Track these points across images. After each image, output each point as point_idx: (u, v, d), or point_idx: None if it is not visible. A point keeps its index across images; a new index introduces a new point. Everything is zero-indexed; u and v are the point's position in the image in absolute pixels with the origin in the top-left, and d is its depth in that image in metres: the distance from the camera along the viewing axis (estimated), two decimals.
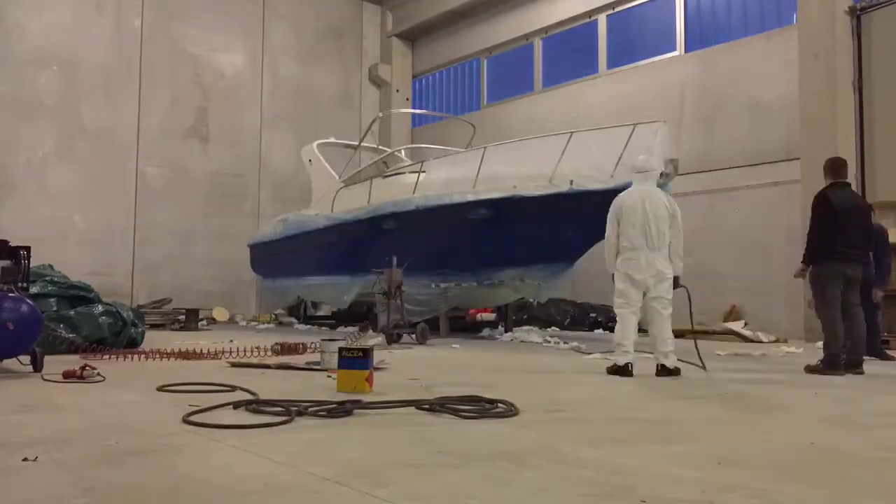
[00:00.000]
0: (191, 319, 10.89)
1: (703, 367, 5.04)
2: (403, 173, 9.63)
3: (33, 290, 5.66)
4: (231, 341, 6.87)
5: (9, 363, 4.38)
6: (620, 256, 4.97)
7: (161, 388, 3.60)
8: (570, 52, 13.20)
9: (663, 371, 4.72)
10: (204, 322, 11.73)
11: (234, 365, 5.03)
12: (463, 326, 9.77)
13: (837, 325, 5.20)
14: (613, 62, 12.40)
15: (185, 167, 13.61)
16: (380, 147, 12.67)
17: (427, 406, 3.02)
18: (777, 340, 8.72)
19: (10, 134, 11.93)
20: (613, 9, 12.44)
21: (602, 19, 12.62)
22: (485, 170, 8.14)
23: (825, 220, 5.36)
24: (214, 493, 1.77)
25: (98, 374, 4.02)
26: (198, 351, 5.73)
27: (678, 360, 4.86)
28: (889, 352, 6.93)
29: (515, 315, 10.62)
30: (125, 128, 13.02)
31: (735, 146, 10.41)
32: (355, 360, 3.61)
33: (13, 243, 4.91)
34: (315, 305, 12.33)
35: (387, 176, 9.94)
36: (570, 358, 6.27)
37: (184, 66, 13.67)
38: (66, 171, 12.35)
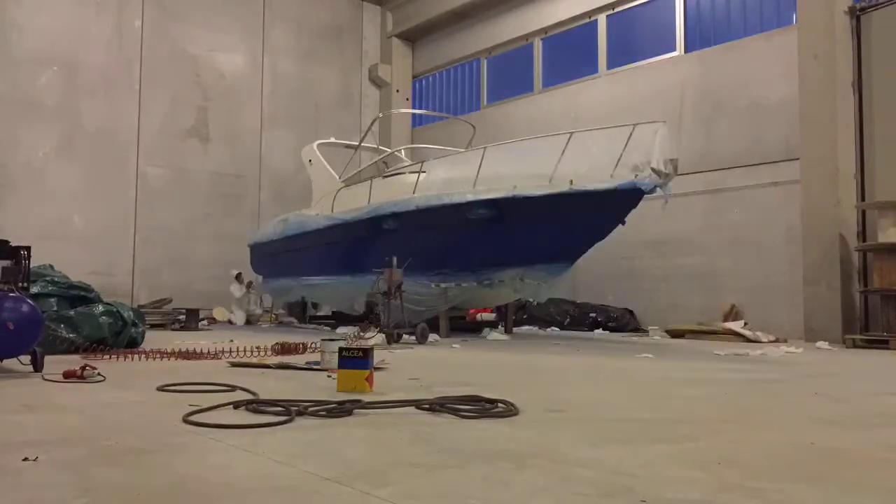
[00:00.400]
0: (191, 319, 10.89)
1: None
2: (403, 173, 9.63)
3: (34, 290, 5.67)
4: (231, 341, 6.88)
5: (9, 363, 4.38)
6: None
7: (161, 388, 3.60)
8: (570, 53, 13.21)
9: None
10: (205, 322, 11.73)
11: (234, 365, 5.03)
12: (463, 326, 9.78)
13: None
14: (613, 62, 12.41)
15: (185, 167, 13.61)
16: (380, 147, 12.68)
17: (427, 406, 3.02)
18: (777, 340, 8.72)
19: (10, 134, 11.93)
20: (613, 9, 12.45)
21: (602, 19, 12.62)
22: (485, 170, 8.14)
23: None
24: (214, 493, 1.77)
25: (98, 374, 4.03)
26: (198, 351, 5.73)
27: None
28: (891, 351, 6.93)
29: (515, 315, 10.62)
30: (125, 128, 13.03)
31: (735, 146, 10.42)
32: (355, 360, 3.61)
33: (13, 243, 4.92)
34: (315, 305, 12.33)
35: (387, 176, 9.95)
36: (570, 358, 6.27)
37: (184, 66, 13.68)
38: (66, 171, 12.36)
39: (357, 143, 11.54)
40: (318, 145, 11.74)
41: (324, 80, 15.53)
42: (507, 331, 9.87)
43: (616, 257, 11.03)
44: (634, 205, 7.44)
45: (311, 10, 15.43)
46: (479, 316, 10.27)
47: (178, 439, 2.40)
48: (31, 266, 4.95)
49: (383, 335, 7.59)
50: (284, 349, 6.02)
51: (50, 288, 6.13)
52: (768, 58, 10.17)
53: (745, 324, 9.38)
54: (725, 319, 9.90)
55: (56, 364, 4.36)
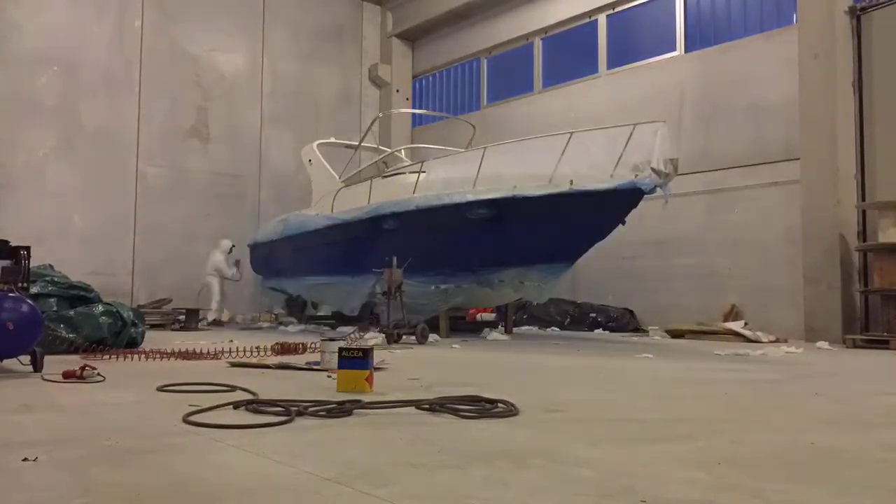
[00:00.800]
0: (191, 319, 10.90)
1: None
2: (403, 173, 9.64)
3: (33, 290, 5.67)
4: (231, 341, 6.88)
5: (9, 363, 4.38)
6: None
7: (161, 388, 3.60)
8: (570, 52, 13.21)
9: None
10: (205, 322, 11.74)
11: (233, 365, 5.03)
12: (463, 326, 9.78)
13: None
14: (613, 62, 12.41)
15: (185, 167, 13.61)
16: (380, 147, 12.68)
17: (427, 406, 3.02)
18: (777, 340, 8.72)
19: (10, 134, 11.94)
20: (613, 9, 12.45)
21: (602, 19, 12.63)
22: (485, 170, 8.14)
23: None
24: (214, 493, 1.77)
25: (98, 374, 4.03)
26: (198, 351, 5.73)
27: None
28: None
29: (515, 315, 10.62)
30: (125, 128, 13.03)
31: (735, 146, 10.42)
32: (355, 360, 3.61)
33: (13, 243, 4.92)
34: (315, 305, 12.34)
35: (387, 176, 9.95)
36: (569, 358, 6.27)
37: (184, 67, 13.68)
38: (66, 171, 12.36)
39: (357, 143, 11.55)
40: (318, 145, 11.74)
41: (324, 80, 15.53)
42: (507, 331, 9.87)
43: (616, 257, 11.03)
44: (634, 205, 7.44)
45: (311, 10, 15.43)
46: (479, 316, 10.27)
47: (178, 439, 2.40)
48: (30, 266, 4.95)
49: (383, 335, 7.59)
50: (284, 349, 6.02)
51: (50, 288, 6.13)
52: (768, 58, 10.16)
53: (746, 324, 9.38)
54: (725, 319, 9.90)
55: (56, 364, 4.36)
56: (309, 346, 6.17)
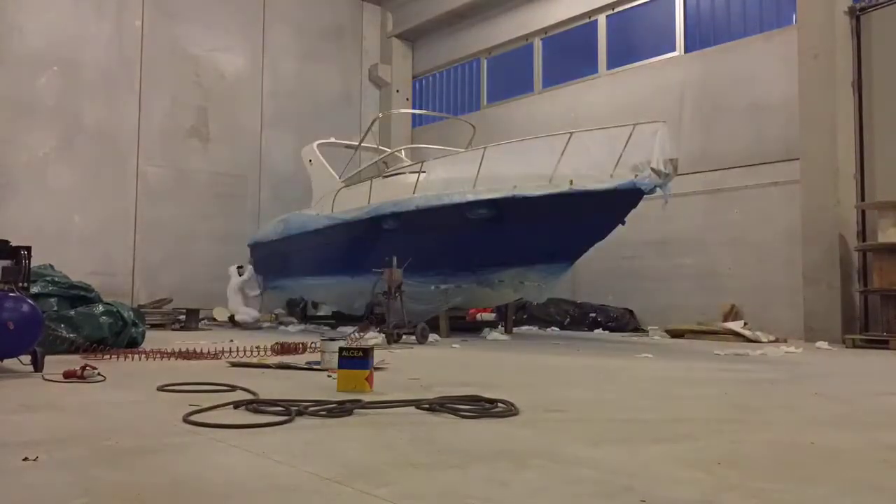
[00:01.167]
0: (191, 319, 10.90)
1: None
2: (403, 173, 9.64)
3: (34, 289, 5.67)
4: (231, 341, 6.88)
5: (9, 363, 4.38)
6: None
7: (161, 388, 3.60)
8: (570, 53, 13.21)
9: None
10: (205, 321, 11.74)
11: (234, 365, 5.04)
12: (463, 326, 9.78)
13: None
14: (613, 62, 12.41)
15: (185, 167, 13.62)
16: (380, 147, 12.68)
17: (427, 406, 3.02)
18: (777, 340, 8.73)
19: (10, 134, 11.94)
20: (613, 9, 12.45)
21: (602, 20, 12.63)
22: (485, 170, 8.14)
23: None
24: (215, 493, 1.77)
25: (98, 373, 4.03)
26: (198, 351, 5.73)
27: None
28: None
29: (515, 315, 10.62)
30: (125, 128, 13.04)
31: (735, 146, 10.42)
32: (355, 359, 3.61)
33: (14, 243, 4.92)
34: (315, 305, 12.34)
35: (387, 176, 9.95)
36: (569, 358, 6.27)
37: (184, 67, 13.68)
38: (66, 171, 12.36)
39: (357, 143, 11.55)
40: (318, 145, 11.74)
41: (324, 80, 15.52)
42: (507, 331, 9.87)
43: (616, 257, 11.03)
44: (634, 205, 7.44)
45: (311, 10, 15.43)
46: (479, 316, 10.28)
47: (179, 439, 2.40)
48: (31, 266, 4.95)
49: (383, 335, 7.59)
50: (284, 349, 6.02)
51: (50, 288, 6.13)
52: (768, 58, 10.17)
53: (745, 324, 9.39)
54: (725, 319, 9.90)
55: (56, 364, 4.36)
56: (309, 346, 6.17)
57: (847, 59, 9.24)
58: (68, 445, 2.28)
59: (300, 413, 2.82)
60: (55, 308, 5.98)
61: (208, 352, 5.70)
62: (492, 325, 10.14)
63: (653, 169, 6.96)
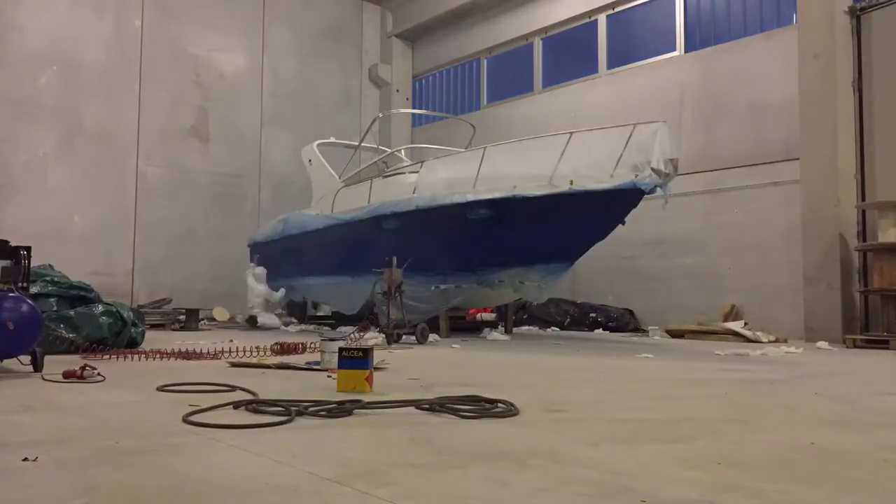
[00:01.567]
0: (191, 319, 10.90)
1: None
2: (403, 173, 9.64)
3: (33, 289, 5.66)
4: (231, 341, 6.88)
5: (9, 363, 4.38)
6: None
7: (161, 388, 3.60)
8: (570, 52, 13.21)
9: None
10: (204, 321, 11.73)
11: (233, 365, 5.03)
12: (463, 326, 9.78)
13: None
14: (613, 62, 12.41)
15: (185, 167, 13.62)
16: (380, 147, 12.68)
17: (427, 406, 3.02)
18: (777, 340, 8.72)
19: (10, 134, 11.94)
20: (613, 9, 12.46)
21: (602, 19, 12.63)
22: (485, 170, 8.14)
23: None
24: (214, 493, 1.77)
25: (98, 374, 4.02)
26: (198, 351, 5.73)
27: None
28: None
29: (515, 315, 10.62)
30: (125, 128, 13.04)
31: (735, 146, 10.42)
32: (355, 360, 3.61)
33: (13, 243, 4.92)
34: (315, 305, 12.33)
35: (387, 176, 9.95)
36: (569, 358, 6.27)
37: (184, 66, 13.68)
38: (66, 171, 12.36)
39: (357, 143, 11.55)
40: (318, 145, 11.74)
41: (324, 80, 15.53)
42: (507, 331, 9.87)
43: (616, 257, 11.03)
44: (634, 205, 7.45)
45: (311, 9, 15.43)
46: (479, 316, 10.28)
47: (178, 439, 2.40)
48: (31, 266, 4.95)
49: (383, 335, 7.59)
50: (284, 349, 6.02)
51: (50, 288, 6.12)
52: (768, 58, 10.17)
53: (745, 324, 9.39)
54: (725, 319, 9.90)
55: (56, 364, 4.36)
56: (309, 346, 6.16)
57: (847, 59, 9.24)
58: (68, 445, 2.28)
59: (300, 413, 2.82)
60: (55, 308, 5.98)
61: (208, 352, 5.70)
62: (492, 325, 10.14)
63: (653, 169, 6.96)
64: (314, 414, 2.84)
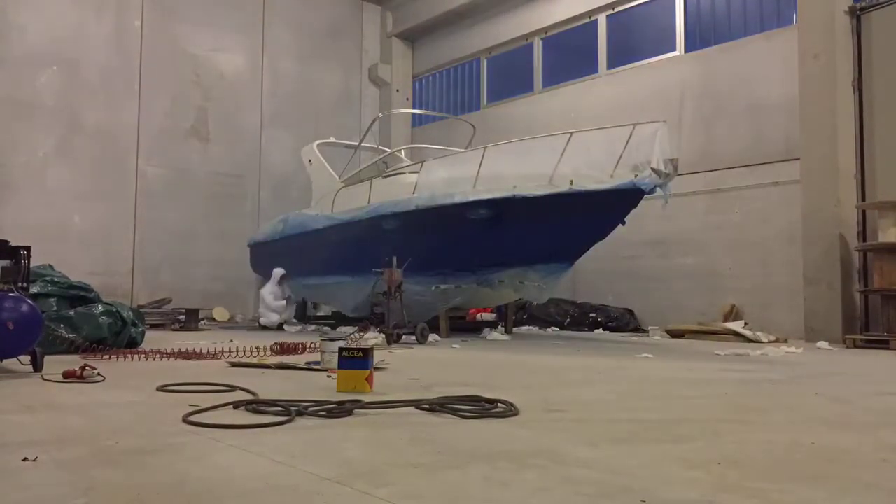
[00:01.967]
0: (191, 319, 10.89)
1: None
2: (403, 173, 9.64)
3: (33, 289, 5.67)
4: (231, 341, 6.88)
5: (9, 363, 4.38)
6: None
7: (161, 388, 3.60)
8: (570, 52, 13.21)
9: None
10: (204, 321, 11.73)
11: (233, 365, 5.03)
12: (463, 326, 9.78)
13: None
14: (613, 62, 12.41)
15: (185, 167, 13.62)
16: (380, 147, 12.68)
17: (427, 406, 3.02)
18: (777, 340, 8.72)
19: (9, 134, 11.94)
20: (613, 9, 12.45)
21: (602, 19, 12.63)
22: (485, 170, 8.14)
23: None
24: (214, 493, 1.77)
25: (98, 374, 4.03)
26: (198, 351, 5.73)
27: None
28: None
29: (515, 315, 10.62)
30: (125, 128, 13.04)
31: (735, 146, 10.42)
32: (355, 360, 3.61)
33: (13, 243, 4.92)
34: (315, 305, 12.34)
35: (387, 176, 9.95)
36: (570, 358, 6.27)
37: (184, 66, 13.68)
38: (66, 171, 12.36)
39: (357, 143, 11.55)
40: (318, 145, 11.74)
41: (324, 79, 15.53)
42: (507, 331, 9.87)
43: (616, 257, 11.03)
44: (634, 205, 7.44)
45: (311, 9, 15.43)
46: (479, 316, 10.27)
47: (178, 439, 2.40)
48: (30, 266, 4.95)
49: (383, 335, 7.59)
50: (284, 349, 6.02)
51: (50, 288, 6.13)
52: (768, 58, 10.16)
53: (746, 324, 9.38)
54: (725, 319, 9.90)
55: (56, 364, 4.36)
56: (309, 346, 6.17)
57: (847, 59, 9.24)
58: (68, 445, 2.28)
59: (300, 413, 2.82)
60: (55, 308, 5.98)
61: (208, 352, 5.70)
62: (492, 325, 10.14)
63: (653, 169, 6.96)
64: (314, 414, 2.84)
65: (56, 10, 12.43)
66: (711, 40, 11.05)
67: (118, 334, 6.12)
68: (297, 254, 11.23)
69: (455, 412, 2.93)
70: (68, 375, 3.98)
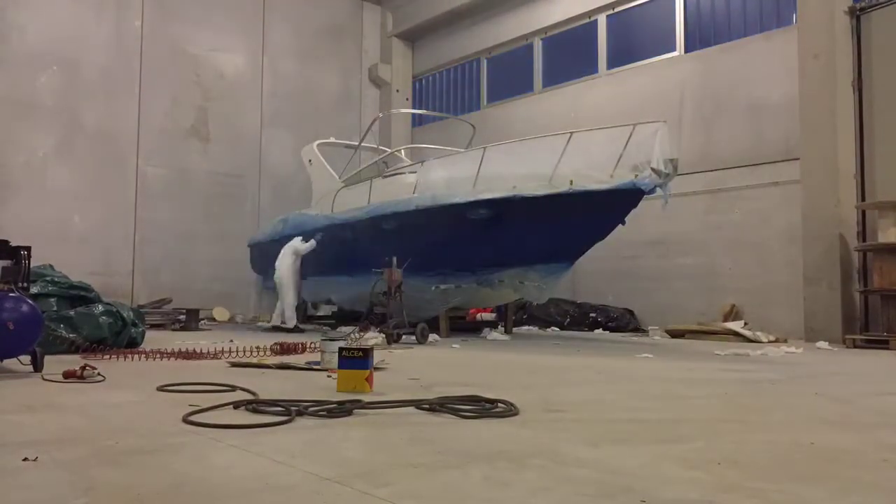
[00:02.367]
0: (191, 319, 10.89)
1: None
2: (403, 173, 9.63)
3: (34, 290, 5.66)
4: (231, 341, 6.88)
5: (9, 363, 4.38)
6: None
7: (161, 388, 3.60)
8: (570, 53, 13.20)
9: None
10: (205, 321, 11.72)
11: (233, 365, 5.03)
12: (463, 326, 9.78)
13: None
14: (613, 62, 12.41)
15: (185, 167, 13.61)
16: (380, 147, 12.68)
17: (427, 406, 3.02)
18: (777, 340, 8.72)
19: (10, 134, 11.94)
20: (613, 9, 12.45)
21: (602, 19, 12.62)
22: (485, 170, 8.14)
23: None
24: (214, 493, 1.77)
25: (98, 374, 4.02)
26: (198, 351, 5.73)
27: None
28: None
29: (515, 315, 10.62)
30: (125, 128, 13.03)
31: (735, 146, 10.42)
32: (355, 360, 3.61)
33: (13, 243, 4.92)
34: (315, 305, 12.33)
35: (387, 176, 9.95)
36: (569, 358, 6.27)
37: (184, 66, 13.68)
38: (66, 171, 12.36)
39: (357, 143, 11.55)
40: (318, 145, 11.74)
41: (324, 80, 15.52)
42: (507, 331, 9.87)
43: (616, 257, 11.03)
44: (634, 205, 7.45)
45: (311, 9, 15.43)
46: (479, 316, 10.27)
47: (178, 439, 2.40)
48: (31, 266, 4.95)
49: (383, 335, 7.59)
50: (284, 349, 6.02)
51: (50, 288, 6.13)
52: (768, 58, 10.16)
53: (745, 324, 9.38)
54: (725, 319, 9.90)
55: (56, 364, 4.36)
56: (309, 346, 6.17)
57: (847, 59, 9.24)
58: (68, 445, 2.28)
59: (300, 413, 2.82)
60: (55, 308, 5.98)
61: (208, 352, 5.70)
62: (492, 325, 10.14)
63: (653, 169, 6.96)
64: (314, 414, 2.84)
65: (56, 10, 12.42)
66: (711, 40, 11.05)
67: (118, 334, 6.11)
68: None
69: (455, 412, 2.93)
70: (68, 375, 3.98)
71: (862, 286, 9.00)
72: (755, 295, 10.01)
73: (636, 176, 7.02)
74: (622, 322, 11.10)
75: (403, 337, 7.83)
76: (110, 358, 5.32)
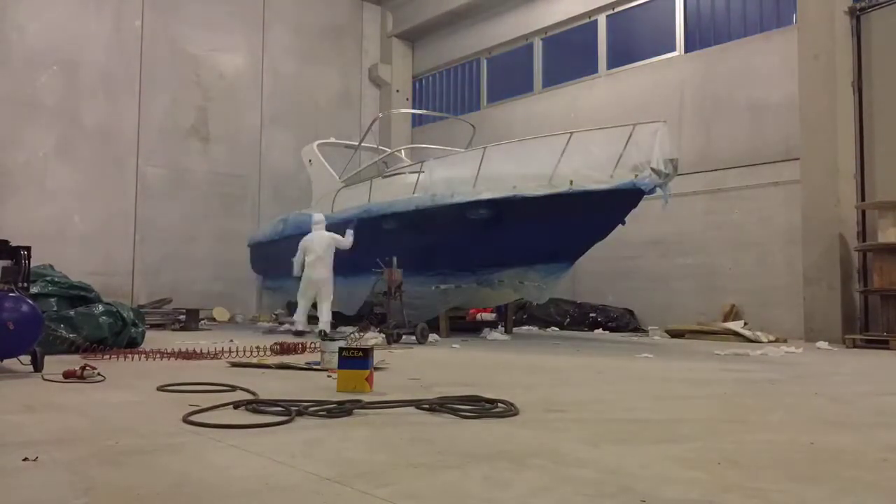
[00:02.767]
0: (191, 319, 10.89)
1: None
2: (403, 173, 9.63)
3: (34, 289, 5.67)
4: (231, 341, 6.88)
5: (9, 363, 4.38)
6: None
7: (161, 388, 3.60)
8: (570, 53, 13.20)
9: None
10: (205, 321, 11.72)
11: (234, 365, 5.03)
12: (463, 326, 9.78)
13: None
14: (613, 62, 12.40)
15: (185, 167, 13.61)
16: (380, 147, 12.68)
17: (427, 406, 3.02)
18: (777, 340, 8.72)
19: (10, 134, 11.93)
20: (613, 9, 12.45)
21: (602, 19, 12.62)
22: (485, 170, 8.14)
23: None
24: (214, 493, 1.77)
25: (98, 374, 4.03)
26: (198, 351, 5.73)
27: None
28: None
29: (515, 315, 10.62)
30: (125, 128, 13.03)
31: (735, 146, 10.42)
32: (355, 360, 3.61)
33: (13, 243, 4.92)
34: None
35: (387, 176, 9.94)
36: (569, 358, 6.27)
37: (184, 66, 13.68)
38: (66, 171, 12.36)
39: (357, 143, 11.54)
40: (318, 145, 11.74)
41: (324, 80, 15.52)
42: (507, 331, 9.87)
43: (616, 257, 11.02)
44: (634, 205, 7.44)
45: (311, 9, 15.43)
46: (479, 316, 10.27)
47: (178, 439, 2.40)
48: (31, 266, 4.95)
49: (383, 335, 7.59)
50: (284, 349, 6.02)
51: (50, 288, 6.13)
52: (768, 58, 10.16)
53: (745, 324, 9.38)
54: (725, 319, 9.90)
55: (56, 364, 4.36)
56: (309, 346, 6.17)
57: (847, 59, 9.24)
58: (68, 445, 2.28)
59: (300, 413, 2.82)
60: (55, 308, 5.98)
61: (208, 352, 5.70)
62: (492, 325, 10.13)
63: (653, 169, 6.96)
64: (314, 414, 2.84)
65: (56, 10, 12.42)
66: (711, 40, 11.05)
67: (118, 334, 6.11)
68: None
69: (455, 412, 2.93)
70: (68, 375, 3.98)
71: (862, 286, 9.00)
72: (755, 295, 10.00)
73: (636, 176, 7.02)
74: (622, 322, 11.10)
75: (403, 337, 7.83)
76: (110, 358, 5.32)
